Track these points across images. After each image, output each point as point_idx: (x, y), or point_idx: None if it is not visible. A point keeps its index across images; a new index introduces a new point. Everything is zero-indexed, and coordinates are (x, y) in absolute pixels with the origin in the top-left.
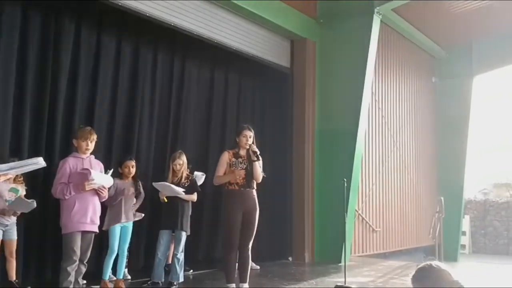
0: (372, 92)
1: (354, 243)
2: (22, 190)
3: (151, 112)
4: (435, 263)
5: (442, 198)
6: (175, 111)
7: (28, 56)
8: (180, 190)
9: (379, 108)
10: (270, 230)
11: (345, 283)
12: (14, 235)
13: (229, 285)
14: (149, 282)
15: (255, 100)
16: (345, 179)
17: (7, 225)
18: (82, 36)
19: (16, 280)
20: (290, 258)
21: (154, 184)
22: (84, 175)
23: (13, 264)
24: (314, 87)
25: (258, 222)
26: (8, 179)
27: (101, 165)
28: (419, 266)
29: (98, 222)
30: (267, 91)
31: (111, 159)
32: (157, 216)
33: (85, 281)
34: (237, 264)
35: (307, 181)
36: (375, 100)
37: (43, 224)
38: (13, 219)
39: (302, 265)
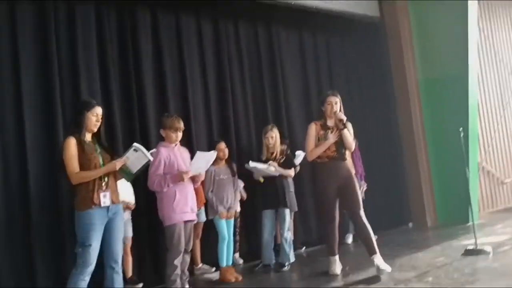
0: (479, 28)
1: (481, 199)
2: None
3: (243, 87)
4: None
5: None
6: (269, 83)
7: (107, 51)
8: (272, 169)
9: (490, 44)
10: (385, 196)
11: (476, 246)
12: (129, 232)
13: (331, 257)
14: (260, 265)
15: (347, 58)
16: (461, 128)
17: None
18: (160, 21)
19: (133, 277)
20: (410, 224)
21: (246, 166)
22: (179, 164)
23: (130, 261)
24: (410, 32)
25: (371, 189)
26: None
27: (187, 152)
28: None
29: (196, 210)
30: (359, 47)
31: (212, 141)
32: (259, 197)
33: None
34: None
35: (418, 137)
36: (485, 36)
37: (149, 218)
38: (128, 215)
39: (424, 230)
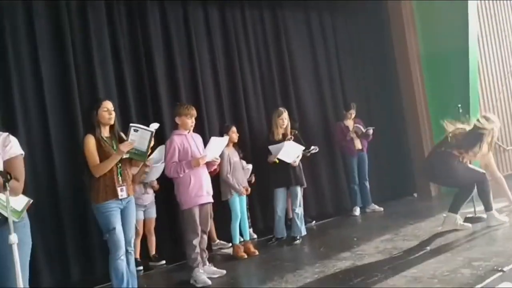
0: (481, 5)
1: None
2: None
3: (252, 71)
4: None
5: None
6: (277, 67)
7: (119, 45)
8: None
9: (491, 15)
10: (390, 168)
11: (474, 214)
12: (153, 214)
13: None
14: (273, 239)
15: (352, 37)
16: (459, 105)
17: (145, 205)
18: (168, 10)
19: (156, 255)
20: (415, 194)
21: (270, 147)
22: (192, 151)
23: (153, 240)
24: (412, 8)
25: (377, 162)
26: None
27: (200, 138)
28: None
29: (212, 192)
30: (363, 26)
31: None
32: (272, 176)
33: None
34: None
35: (421, 111)
36: (485, 7)
37: (170, 201)
38: (151, 198)
39: (428, 200)
